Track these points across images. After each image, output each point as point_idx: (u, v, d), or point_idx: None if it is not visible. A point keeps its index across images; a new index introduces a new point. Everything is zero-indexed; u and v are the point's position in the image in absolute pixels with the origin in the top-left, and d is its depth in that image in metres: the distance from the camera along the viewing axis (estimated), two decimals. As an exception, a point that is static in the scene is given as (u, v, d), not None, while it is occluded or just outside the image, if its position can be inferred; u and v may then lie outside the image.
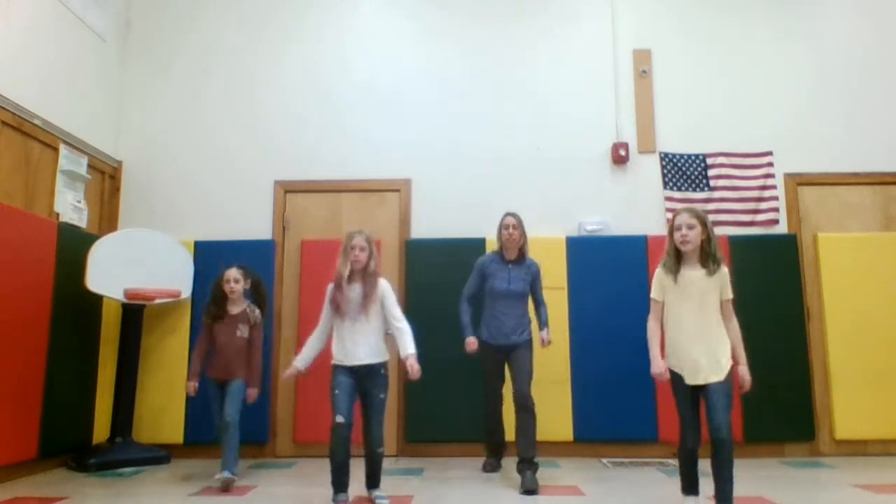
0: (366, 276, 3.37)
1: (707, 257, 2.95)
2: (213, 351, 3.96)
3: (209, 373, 3.95)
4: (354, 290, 3.34)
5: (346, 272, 3.34)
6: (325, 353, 3.43)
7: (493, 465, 4.24)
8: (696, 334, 2.93)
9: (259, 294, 4.14)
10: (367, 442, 3.27)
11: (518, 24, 5.52)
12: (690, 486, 3.02)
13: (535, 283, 4.08)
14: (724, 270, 2.99)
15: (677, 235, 2.96)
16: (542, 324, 4.06)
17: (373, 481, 3.36)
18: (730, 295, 3.01)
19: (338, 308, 3.32)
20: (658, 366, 2.97)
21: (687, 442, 2.96)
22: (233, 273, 3.99)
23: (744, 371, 2.99)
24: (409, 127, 5.37)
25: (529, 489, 3.57)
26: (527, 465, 3.71)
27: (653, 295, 3.06)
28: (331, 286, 3.44)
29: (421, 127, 5.37)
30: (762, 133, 5.28)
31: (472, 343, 4.03)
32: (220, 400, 3.88)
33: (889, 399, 4.74)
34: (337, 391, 3.23)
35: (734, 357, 2.96)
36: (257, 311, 4.06)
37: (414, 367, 3.27)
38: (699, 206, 4.97)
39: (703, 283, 2.95)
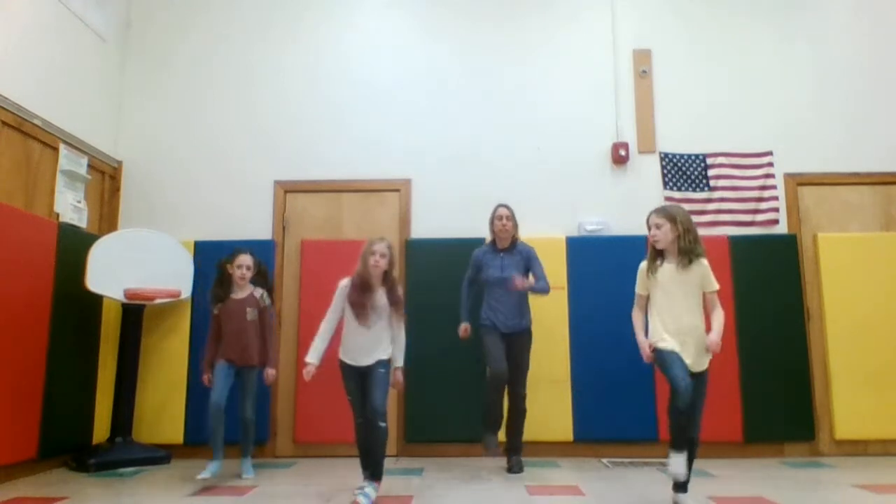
0: (386, 282, 3.45)
1: (680, 252, 3.08)
2: (225, 338, 3.97)
3: (222, 356, 3.94)
4: (381, 295, 3.42)
5: (370, 279, 3.40)
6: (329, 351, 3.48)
7: (493, 443, 4.12)
8: (685, 328, 3.04)
9: (266, 282, 4.21)
10: (370, 413, 3.29)
11: (518, 23, 5.52)
12: (681, 444, 2.96)
13: (531, 263, 4.20)
14: (704, 263, 3.10)
15: (649, 235, 3.18)
16: (535, 282, 4.14)
17: (372, 469, 3.32)
18: (714, 287, 3.11)
19: (356, 313, 3.37)
20: (646, 352, 3.14)
21: (680, 401, 2.91)
22: (247, 259, 4.04)
23: (714, 337, 3.01)
24: (409, 127, 5.37)
25: (516, 470, 4.04)
26: (513, 452, 4.15)
27: (637, 289, 3.24)
28: (344, 283, 3.46)
29: (421, 127, 5.37)
30: (762, 133, 5.28)
31: (464, 329, 4.27)
32: (230, 380, 3.91)
33: (889, 399, 4.74)
34: (351, 398, 3.43)
35: (712, 326, 3.07)
36: (265, 294, 4.10)
37: (400, 380, 3.51)
38: (698, 205, 5.08)
39: (678, 277, 3.08)
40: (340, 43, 5.54)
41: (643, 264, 3.22)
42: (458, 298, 4.33)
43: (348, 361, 3.42)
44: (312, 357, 3.39)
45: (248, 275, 4.04)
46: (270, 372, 4.06)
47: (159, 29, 5.57)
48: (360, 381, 3.40)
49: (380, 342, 3.42)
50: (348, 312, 3.42)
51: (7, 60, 4.15)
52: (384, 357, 3.42)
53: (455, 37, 5.52)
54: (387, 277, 3.44)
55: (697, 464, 3.62)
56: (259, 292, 4.08)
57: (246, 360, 3.96)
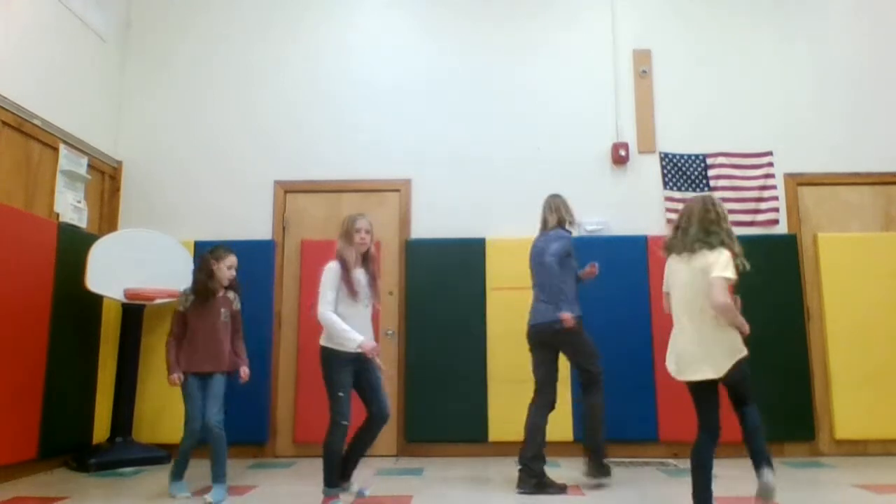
0: (367, 259, 3.39)
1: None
2: (193, 341, 3.61)
3: (190, 367, 3.58)
4: (360, 275, 3.34)
5: (354, 257, 3.31)
6: (314, 345, 3.36)
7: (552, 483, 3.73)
8: None
9: (237, 284, 3.88)
10: (381, 410, 3.36)
11: (518, 24, 5.52)
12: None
13: None
14: None
15: (730, 222, 3.05)
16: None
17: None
18: None
19: (354, 293, 3.27)
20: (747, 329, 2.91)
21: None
22: (236, 261, 3.77)
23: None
24: (409, 127, 5.37)
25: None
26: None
27: (733, 274, 2.85)
28: (334, 265, 3.30)
29: (421, 127, 5.37)
30: (762, 133, 5.28)
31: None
32: (204, 397, 3.57)
33: (889, 399, 4.74)
34: (342, 393, 3.25)
35: None
36: (236, 296, 3.80)
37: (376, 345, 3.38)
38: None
39: None
40: (341, 43, 5.54)
41: (728, 252, 2.89)
42: (457, 298, 4.28)
43: (347, 347, 3.23)
44: (358, 337, 3.20)
45: (233, 275, 3.75)
46: (246, 371, 3.72)
47: (159, 29, 5.57)
48: (355, 373, 3.29)
49: (371, 323, 3.42)
50: (342, 295, 3.26)
51: (7, 60, 4.15)
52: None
53: (455, 37, 5.52)
54: (369, 253, 3.40)
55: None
56: (231, 294, 3.78)
57: (216, 365, 3.59)
